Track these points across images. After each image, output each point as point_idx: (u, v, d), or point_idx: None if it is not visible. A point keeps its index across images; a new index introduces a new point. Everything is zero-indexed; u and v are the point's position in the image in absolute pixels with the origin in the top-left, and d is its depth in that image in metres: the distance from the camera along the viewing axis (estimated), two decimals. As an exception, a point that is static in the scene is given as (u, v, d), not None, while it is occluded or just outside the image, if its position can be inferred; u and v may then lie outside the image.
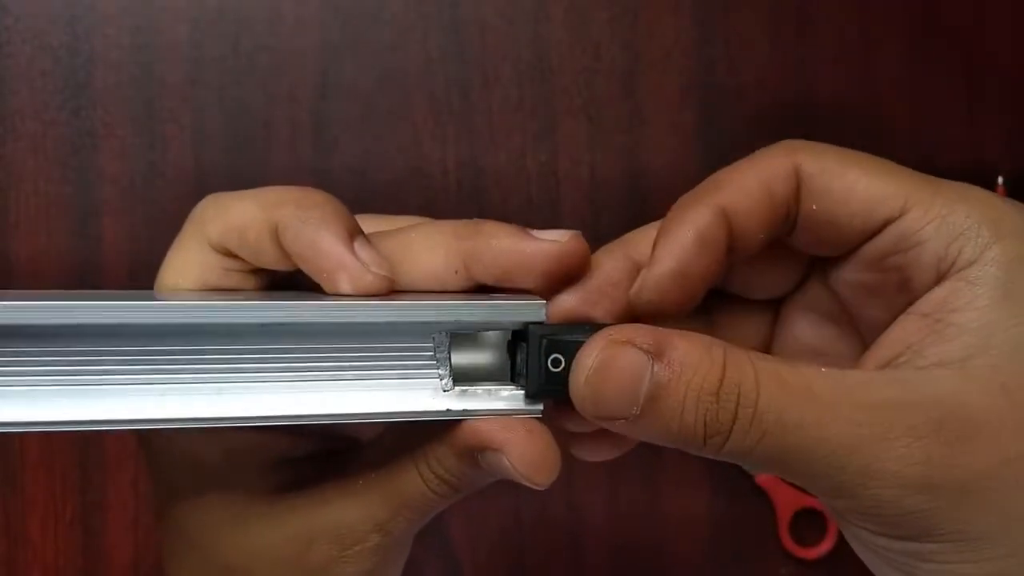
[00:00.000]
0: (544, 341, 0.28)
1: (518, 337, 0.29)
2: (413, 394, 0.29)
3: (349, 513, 0.30)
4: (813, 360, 0.31)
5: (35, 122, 0.53)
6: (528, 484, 0.28)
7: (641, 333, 0.27)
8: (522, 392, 0.29)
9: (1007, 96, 0.56)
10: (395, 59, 0.54)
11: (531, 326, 0.29)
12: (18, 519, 0.53)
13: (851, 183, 0.28)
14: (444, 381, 0.29)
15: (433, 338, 0.29)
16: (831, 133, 0.55)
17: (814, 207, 0.28)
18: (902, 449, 0.26)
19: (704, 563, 0.55)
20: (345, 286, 0.29)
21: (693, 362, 0.26)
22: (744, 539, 0.56)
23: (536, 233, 0.30)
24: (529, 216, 0.55)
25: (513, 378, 0.29)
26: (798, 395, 0.26)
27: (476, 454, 0.29)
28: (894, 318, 0.28)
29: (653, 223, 0.31)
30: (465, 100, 0.55)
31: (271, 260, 0.30)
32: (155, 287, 0.31)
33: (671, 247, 0.29)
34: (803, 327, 0.32)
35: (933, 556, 0.26)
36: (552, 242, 0.30)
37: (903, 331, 0.28)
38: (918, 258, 0.28)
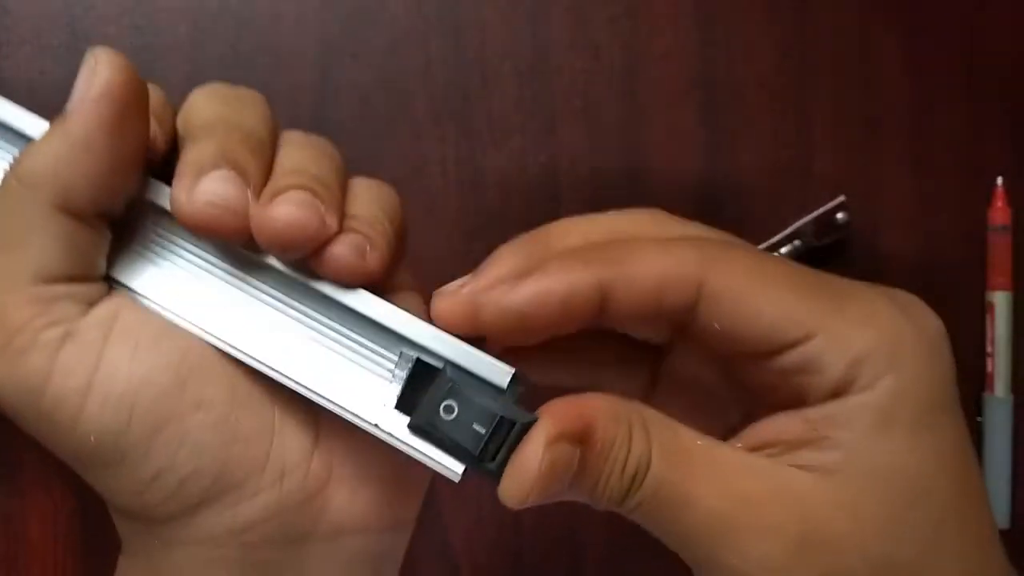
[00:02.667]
0: (451, 384, 0.28)
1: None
2: (358, 394, 0.29)
3: None
4: (688, 393, 0.33)
5: (35, 122, 0.52)
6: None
7: (571, 420, 0.28)
8: (461, 464, 0.28)
9: (1007, 96, 0.56)
10: (395, 59, 0.54)
11: (448, 365, 0.29)
12: (18, 519, 0.53)
13: (758, 308, 0.28)
14: (390, 396, 0.29)
15: (400, 352, 0.29)
16: (831, 133, 0.56)
17: (716, 326, 0.29)
18: (764, 547, 0.28)
19: (704, 563, 0.55)
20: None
21: (612, 440, 0.28)
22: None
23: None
24: (529, 216, 0.55)
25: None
26: (680, 470, 0.28)
27: None
28: (776, 394, 0.29)
29: (575, 218, 0.32)
30: (465, 100, 0.55)
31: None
32: None
33: (534, 291, 0.29)
34: (686, 363, 0.33)
35: None
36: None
37: (784, 426, 0.29)
38: (816, 380, 0.28)
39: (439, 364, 0.29)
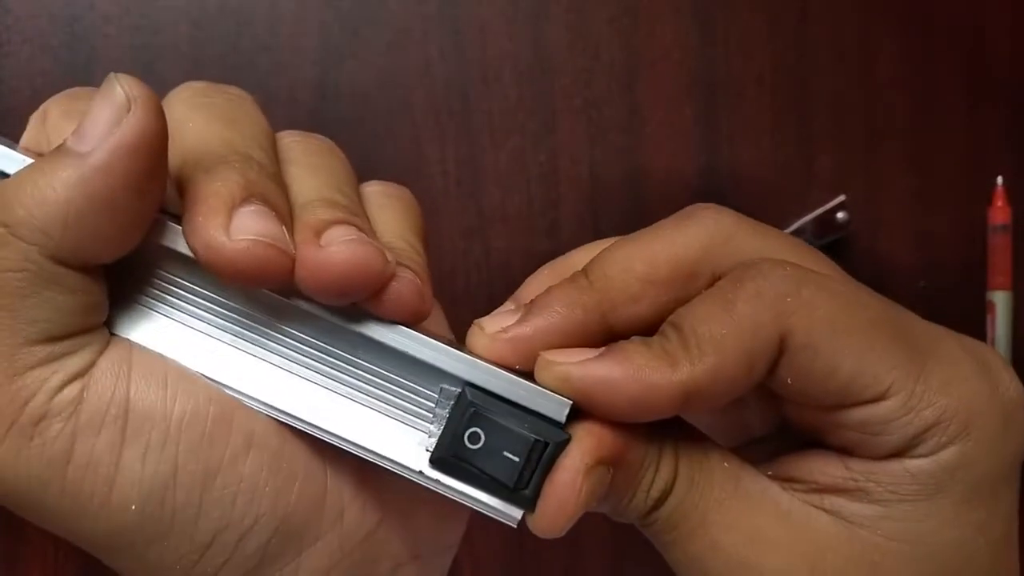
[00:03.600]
0: (471, 411, 0.25)
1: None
2: (399, 439, 0.26)
3: None
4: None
5: (35, 122, 0.53)
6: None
7: (608, 443, 0.26)
8: (508, 500, 0.26)
9: (1007, 96, 0.56)
10: (395, 59, 0.54)
11: (468, 387, 0.25)
12: (18, 519, 0.53)
13: (836, 364, 0.26)
14: (431, 440, 0.26)
15: (441, 389, 0.26)
16: (831, 133, 0.56)
17: (788, 380, 0.26)
18: None
19: (704, 563, 0.55)
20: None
21: (641, 461, 0.26)
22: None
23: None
24: (529, 216, 0.55)
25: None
26: (699, 494, 0.27)
27: None
28: (823, 437, 0.28)
29: (628, 245, 0.28)
30: (465, 100, 0.55)
31: None
32: None
33: (603, 378, 0.25)
34: None
35: None
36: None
37: (823, 467, 0.27)
38: (877, 441, 0.26)
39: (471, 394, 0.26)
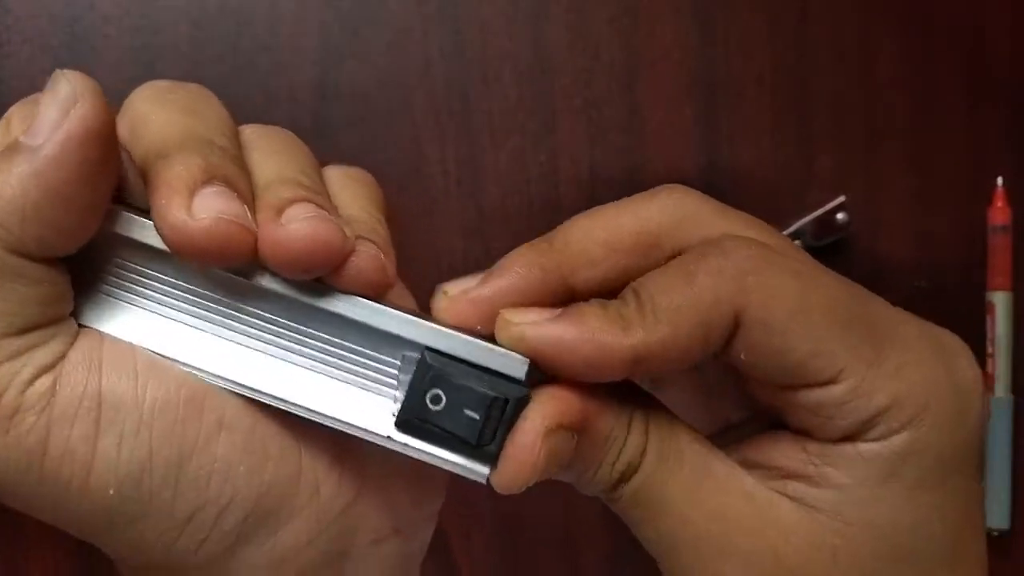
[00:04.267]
0: (431, 373, 0.26)
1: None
2: (366, 408, 0.27)
3: None
4: (690, 379, 0.32)
5: (35, 122, 0.52)
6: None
7: (572, 410, 0.26)
8: (469, 456, 0.26)
9: (1007, 96, 0.56)
10: (395, 59, 0.54)
11: (428, 352, 0.26)
12: (18, 519, 0.53)
13: (790, 344, 0.26)
14: (396, 405, 0.27)
15: (403, 356, 0.27)
16: (831, 133, 0.56)
17: (742, 356, 0.27)
18: (730, 572, 0.27)
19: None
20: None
21: (609, 432, 0.27)
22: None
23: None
24: (529, 216, 0.55)
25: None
26: (666, 473, 0.27)
27: None
28: (784, 417, 0.28)
29: (593, 215, 0.28)
30: (465, 100, 0.55)
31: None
32: None
33: (557, 337, 0.26)
34: None
35: None
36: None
37: (785, 451, 0.28)
38: (830, 423, 0.27)
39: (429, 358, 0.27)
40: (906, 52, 0.56)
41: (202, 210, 0.25)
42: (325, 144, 0.54)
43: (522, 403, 0.26)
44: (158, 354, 0.27)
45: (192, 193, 0.25)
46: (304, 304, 0.27)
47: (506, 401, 0.26)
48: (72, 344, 0.26)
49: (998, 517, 0.55)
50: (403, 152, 0.55)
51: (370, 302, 0.27)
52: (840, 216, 0.55)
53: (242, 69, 0.54)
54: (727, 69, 0.56)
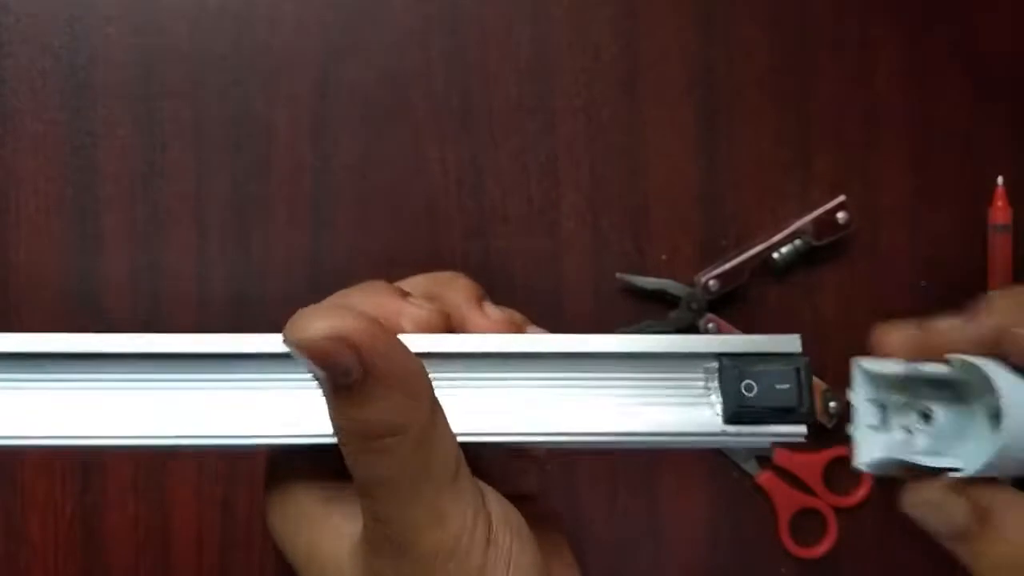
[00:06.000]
0: (736, 370, 0.31)
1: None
2: (690, 418, 0.31)
3: None
4: None
5: (35, 122, 0.53)
6: None
7: None
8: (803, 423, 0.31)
9: (1007, 96, 0.56)
10: (395, 59, 0.54)
11: (722, 358, 0.31)
12: (18, 519, 0.53)
13: None
14: (716, 407, 0.31)
15: (704, 368, 0.31)
16: (831, 132, 0.55)
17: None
18: None
19: (704, 563, 0.55)
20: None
21: None
22: (744, 539, 0.56)
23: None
24: (529, 216, 0.55)
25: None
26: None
27: None
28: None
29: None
30: (465, 100, 0.55)
31: None
32: None
33: None
34: None
35: None
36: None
37: None
38: None
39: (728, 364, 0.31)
40: (906, 52, 0.56)
41: None
42: (325, 144, 0.54)
43: (808, 366, 0.30)
44: None
45: None
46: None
47: (798, 369, 0.30)
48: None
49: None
50: (403, 152, 0.55)
51: (663, 336, 0.32)
52: (840, 216, 0.55)
53: (242, 69, 0.54)
54: (727, 69, 0.56)
